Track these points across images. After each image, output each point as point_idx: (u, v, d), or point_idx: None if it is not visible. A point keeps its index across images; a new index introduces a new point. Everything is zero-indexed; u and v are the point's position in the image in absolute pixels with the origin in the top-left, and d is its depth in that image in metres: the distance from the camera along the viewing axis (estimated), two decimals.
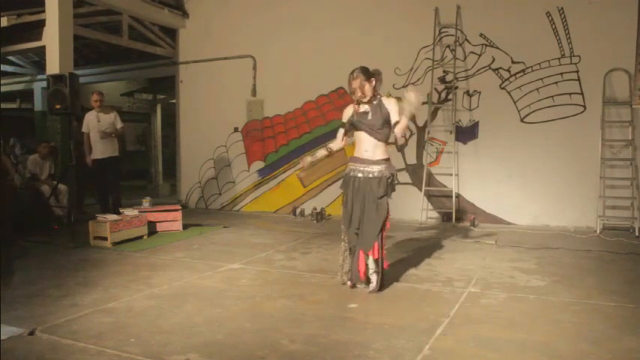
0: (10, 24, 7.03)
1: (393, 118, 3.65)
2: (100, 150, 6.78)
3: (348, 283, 3.83)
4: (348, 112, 3.83)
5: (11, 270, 4.52)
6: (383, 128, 3.68)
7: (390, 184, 3.69)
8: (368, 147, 3.72)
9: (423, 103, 7.19)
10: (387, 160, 3.76)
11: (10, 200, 5.74)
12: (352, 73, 3.67)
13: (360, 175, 3.72)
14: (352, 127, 3.77)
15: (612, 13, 6.18)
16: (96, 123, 6.78)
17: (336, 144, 3.92)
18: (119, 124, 6.93)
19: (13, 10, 7.11)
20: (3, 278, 4.10)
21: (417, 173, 7.26)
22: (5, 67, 10.49)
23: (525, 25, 6.61)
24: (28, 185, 7.08)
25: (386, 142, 3.75)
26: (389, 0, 7.38)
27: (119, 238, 5.56)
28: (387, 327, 3.00)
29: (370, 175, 3.70)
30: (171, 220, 6.39)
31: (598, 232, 6.08)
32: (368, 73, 3.67)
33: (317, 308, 3.38)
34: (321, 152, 3.99)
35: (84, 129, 6.88)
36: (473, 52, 6.95)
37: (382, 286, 3.73)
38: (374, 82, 3.70)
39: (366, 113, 3.69)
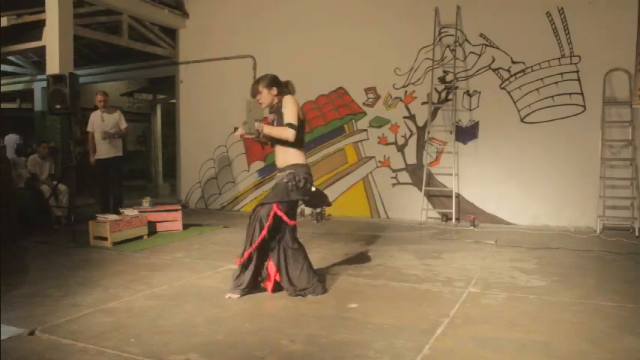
0: (10, 24, 7.03)
1: (285, 119, 3.57)
2: (104, 150, 6.80)
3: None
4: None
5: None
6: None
7: (290, 191, 3.56)
8: (278, 154, 3.71)
9: (423, 103, 7.23)
10: (295, 165, 3.63)
11: (9, 199, 5.74)
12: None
13: (275, 180, 3.74)
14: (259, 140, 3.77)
15: (612, 13, 6.18)
16: (100, 123, 6.80)
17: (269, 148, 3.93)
18: (123, 124, 6.95)
19: (13, 10, 7.11)
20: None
21: (417, 173, 7.27)
22: (5, 67, 10.49)
23: (525, 25, 6.61)
24: (28, 185, 7.08)
25: (293, 146, 3.64)
26: (389, 0, 7.38)
27: (119, 238, 5.56)
28: (387, 327, 3.00)
29: (276, 182, 3.69)
30: (171, 220, 6.39)
31: (598, 232, 6.07)
32: (270, 81, 3.67)
33: (317, 308, 3.38)
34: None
35: (89, 128, 6.93)
36: (473, 52, 6.95)
37: (241, 287, 3.60)
38: (275, 91, 3.67)
39: (273, 122, 3.68)
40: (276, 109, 3.69)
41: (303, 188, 3.61)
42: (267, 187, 8.29)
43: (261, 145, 3.91)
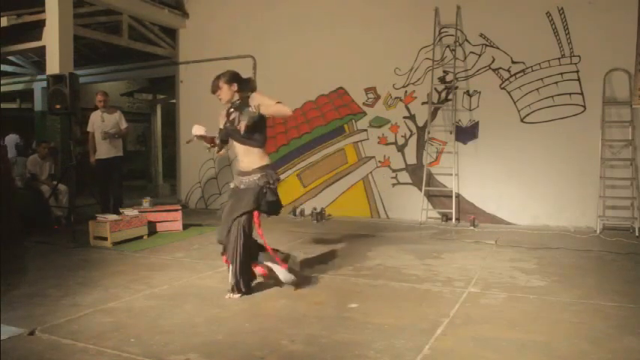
0: (10, 24, 7.04)
1: (264, 108, 3.50)
2: (105, 150, 6.81)
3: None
4: (221, 121, 3.73)
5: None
6: (253, 132, 3.55)
7: (264, 194, 3.55)
8: (242, 157, 3.63)
9: (423, 103, 7.23)
10: (264, 167, 3.60)
11: (10, 199, 5.74)
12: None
13: (241, 185, 3.63)
14: (227, 136, 3.69)
15: (612, 13, 6.17)
16: (100, 123, 6.81)
17: (221, 153, 3.84)
18: (123, 125, 6.96)
19: (13, 10, 7.11)
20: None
21: (417, 173, 7.26)
22: (5, 67, 10.49)
23: (525, 25, 6.60)
24: (28, 185, 7.08)
25: (260, 147, 3.62)
26: (389, 0, 7.38)
27: (119, 238, 5.56)
28: (387, 327, 3.00)
29: (242, 187, 3.60)
30: (171, 220, 6.39)
31: (598, 232, 6.07)
32: (231, 77, 3.64)
33: (317, 308, 3.38)
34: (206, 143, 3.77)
35: (89, 128, 6.94)
36: (473, 52, 6.95)
37: (240, 291, 3.59)
38: (235, 87, 3.64)
39: (234, 120, 3.59)
40: (238, 106, 3.65)
41: (275, 189, 3.63)
42: None
43: (217, 148, 3.79)
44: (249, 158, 3.63)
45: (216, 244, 3.83)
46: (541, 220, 6.62)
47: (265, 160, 3.66)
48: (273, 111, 3.55)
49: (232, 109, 3.67)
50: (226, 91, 3.65)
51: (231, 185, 3.75)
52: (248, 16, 8.31)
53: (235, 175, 3.76)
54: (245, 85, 3.70)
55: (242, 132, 3.49)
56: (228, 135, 3.70)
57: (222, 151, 3.85)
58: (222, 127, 3.73)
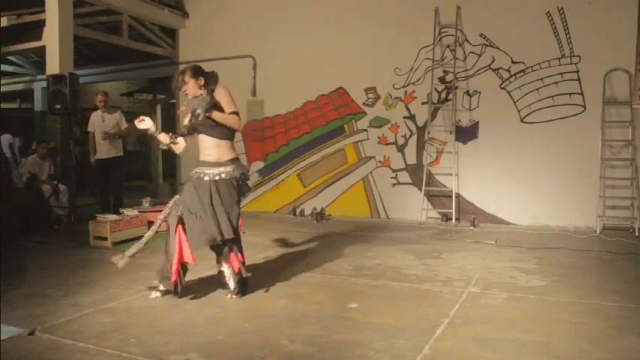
0: (10, 24, 7.03)
1: (226, 109, 3.55)
2: (105, 150, 6.81)
3: (160, 287, 3.61)
4: (185, 113, 3.67)
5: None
6: (218, 124, 3.54)
7: (240, 185, 3.61)
8: (211, 150, 3.58)
9: (423, 103, 7.23)
10: (234, 159, 3.63)
11: (9, 198, 5.74)
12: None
13: (206, 178, 3.55)
14: (194, 130, 3.65)
15: (612, 13, 6.18)
16: (101, 123, 6.82)
17: (179, 148, 3.77)
18: (124, 125, 6.96)
19: (13, 10, 7.11)
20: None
21: (417, 173, 7.26)
22: (5, 67, 10.49)
23: (525, 25, 6.60)
24: (28, 185, 7.08)
25: (230, 139, 3.63)
26: (389, 0, 7.38)
27: (119, 238, 5.56)
28: (387, 327, 3.00)
29: (217, 178, 3.55)
30: None
31: (598, 232, 6.07)
32: (195, 71, 3.62)
33: (317, 308, 3.38)
34: (165, 138, 3.71)
35: (89, 128, 6.94)
36: (473, 52, 6.95)
37: (245, 290, 3.62)
38: (202, 81, 3.62)
39: (194, 111, 3.52)
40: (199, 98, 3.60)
41: (247, 180, 3.70)
42: (268, 187, 8.30)
43: (171, 147, 3.75)
44: (218, 151, 3.59)
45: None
46: (541, 220, 6.62)
47: (234, 153, 3.67)
48: (225, 116, 3.54)
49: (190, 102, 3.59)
50: (193, 86, 3.62)
51: (204, 177, 3.58)
52: (248, 16, 8.31)
53: (201, 167, 3.63)
54: (210, 79, 3.69)
55: (200, 116, 3.45)
56: (195, 127, 3.62)
57: (180, 143, 3.75)
58: (184, 124, 3.70)
